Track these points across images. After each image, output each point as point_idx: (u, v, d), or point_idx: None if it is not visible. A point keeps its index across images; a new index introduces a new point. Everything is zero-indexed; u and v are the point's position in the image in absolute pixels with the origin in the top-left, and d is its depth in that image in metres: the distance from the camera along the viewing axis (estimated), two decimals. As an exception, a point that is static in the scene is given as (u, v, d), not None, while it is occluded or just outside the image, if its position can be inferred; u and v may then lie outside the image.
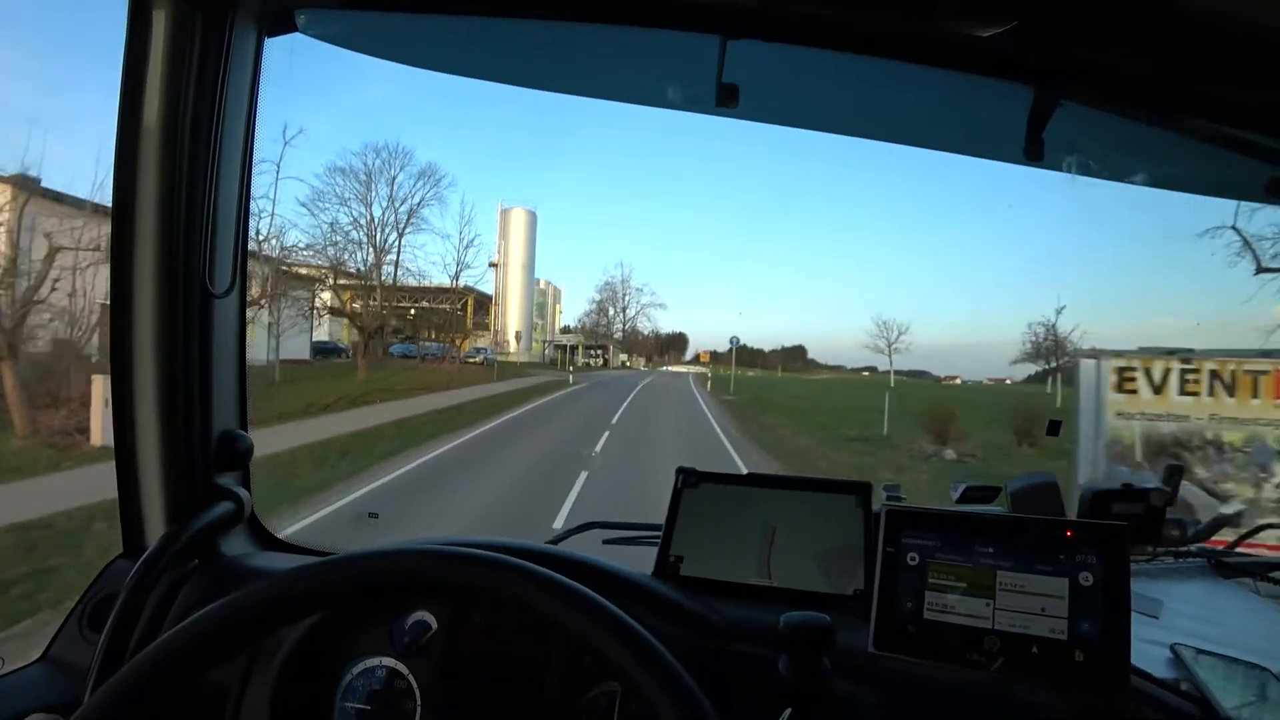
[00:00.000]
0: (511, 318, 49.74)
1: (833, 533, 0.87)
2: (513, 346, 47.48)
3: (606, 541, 1.05)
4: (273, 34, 0.89)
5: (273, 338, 17.14)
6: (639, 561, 0.89)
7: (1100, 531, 0.69)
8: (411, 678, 0.77)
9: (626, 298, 65.79)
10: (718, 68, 0.89)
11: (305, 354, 22.06)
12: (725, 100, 0.90)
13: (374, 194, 25.81)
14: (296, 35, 0.89)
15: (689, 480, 0.91)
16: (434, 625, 0.78)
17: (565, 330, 64.02)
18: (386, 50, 0.92)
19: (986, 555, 0.70)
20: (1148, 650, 0.84)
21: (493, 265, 50.77)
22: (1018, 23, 0.70)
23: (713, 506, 0.90)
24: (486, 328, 46.31)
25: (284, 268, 18.35)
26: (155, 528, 0.90)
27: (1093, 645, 0.66)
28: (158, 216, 0.84)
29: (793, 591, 0.84)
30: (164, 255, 0.85)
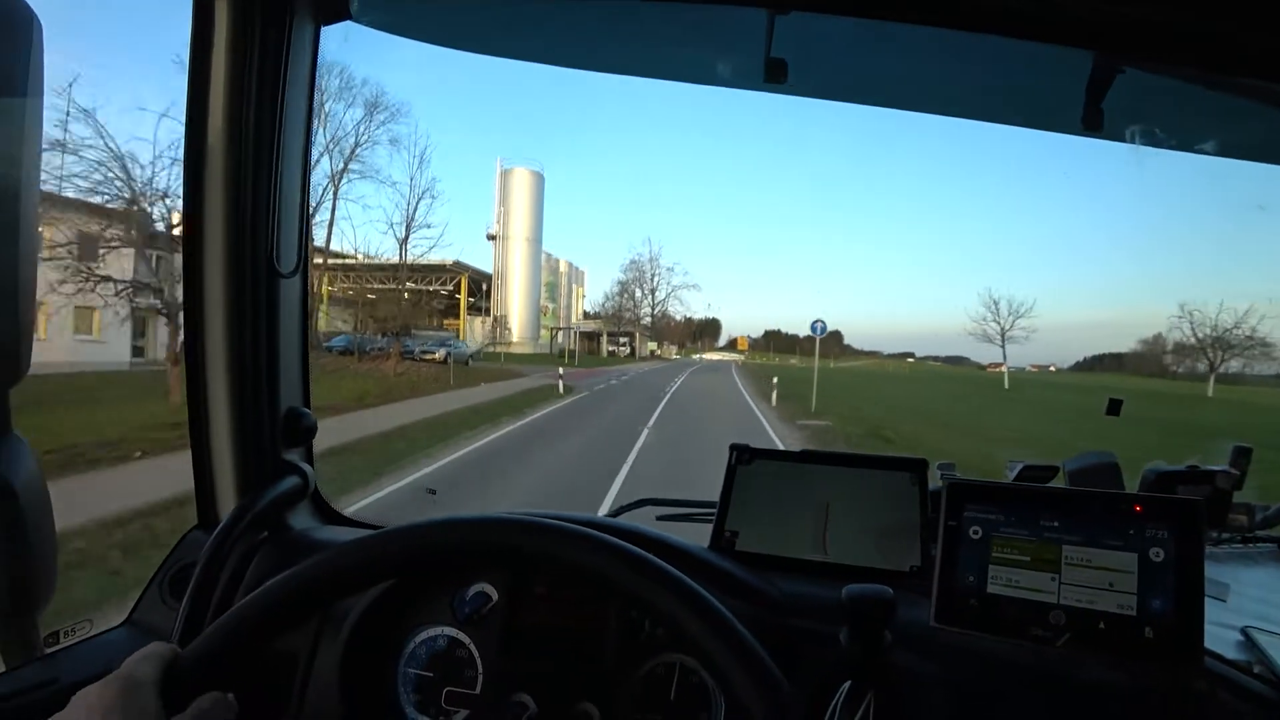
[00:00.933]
0: (514, 301, 42.54)
1: (888, 509, 0.87)
2: (515, 334, 40.87)
3: (661, 518, 1.06)
4: (328, 22, 0.91)
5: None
6: (692, 539, 0.89)
7: (1173, 506, 0.67)
8: (473, 647, 0.79)
9: (656, 278, 60.75)
10: (766, 42, 0.88)
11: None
12: (774, 75, 0.89)
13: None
14: (349, 23, 0.91)
15: (742, 457, 0.91)
16: (494, 596, 0.80)
17: (588, 316, 58.62)
18: (437, 35, 0.94)
19: (1051, 529, 0.68)
20: (1217, 633, 0.82)
21: (490, 238, 43.38)
22: None
23: (766, 483, 0.90)
24: (486, 313, 40.14)
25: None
26: (227, 501, 0.94)
27: (1164, 622, 0.64)
28: (225, 200, 0.87)
29: (849, 567, 0.84)
30: (232, 238, 0.88)
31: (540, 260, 46.53)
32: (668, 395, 18.82)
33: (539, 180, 45.34)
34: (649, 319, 61.46)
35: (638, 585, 0.53)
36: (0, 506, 0.76)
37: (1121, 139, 1.13)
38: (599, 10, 0.89)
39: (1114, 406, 1.22)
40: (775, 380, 18.74)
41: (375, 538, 0.57)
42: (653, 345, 61.51)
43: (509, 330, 40.86)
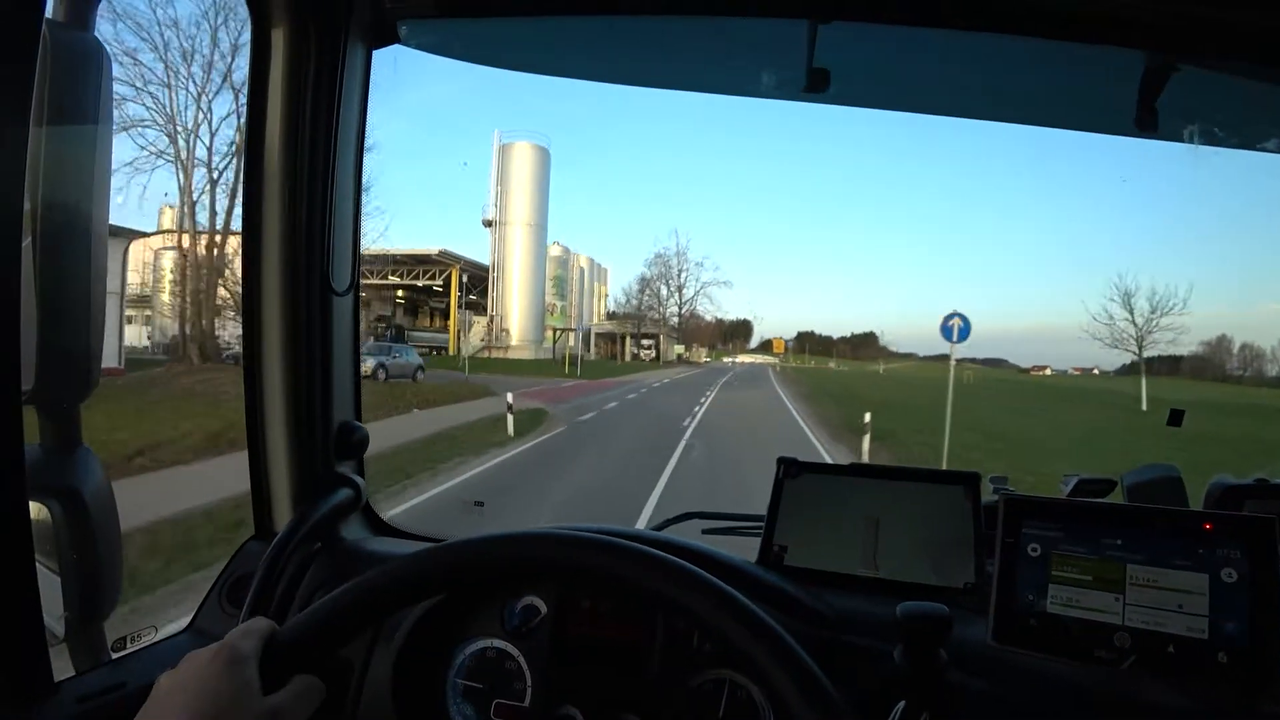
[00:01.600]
0: (514, 297, 35.96)
1: (940, 524, 0.85)
2: (514, 336, 35.29)
3: (706, 531, 1.06)
4: (379, 46, 0.94)
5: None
6: (738, 553, 0.89)
7: (1246, 525, 0.64)
8: (521, 659, 0.79)
9: (683, 274, 54.71)
10: (807, 52, 0.87)
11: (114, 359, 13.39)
12: (816, 85, 0.89)
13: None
14: (398, 46, 0.94)
15: (790, 470, 0.90)
16: (543, 609, 0.81)
17: (611, 316, 54.12)
18: (483, 56, 0.96)
19: (1114, 547, 0.66)
20: None
21: (487, 224, 36.37)
22: None
23: (815, 497, 0.89)
24: (482, 310, 35.44)
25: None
26: (282, 512, 0.97)
27: (1239, 646, 0.61)
28: (282, 221, 0.90)
29: (900, 583, 0.82)
30: (289, 257, 0.91)
31: (545, 249, 39.51)
32: (689, 430, 12.11)
33: (543, 156, 37.62)
34: (676, 319, 55.63)
35: (692, 602, 0.53)
36: (71, 516, 0.79)
37: (1178, 139, 1.09)
38: (640, 26, 0.90)
39: (1175, 418, 1.17)
40: (866, 418, 10.87)
41: (454, 546, 0.58)
42: (679, 349, 55.30)
43: (507, 332, 35.17)
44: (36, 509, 0.72)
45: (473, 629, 0.81)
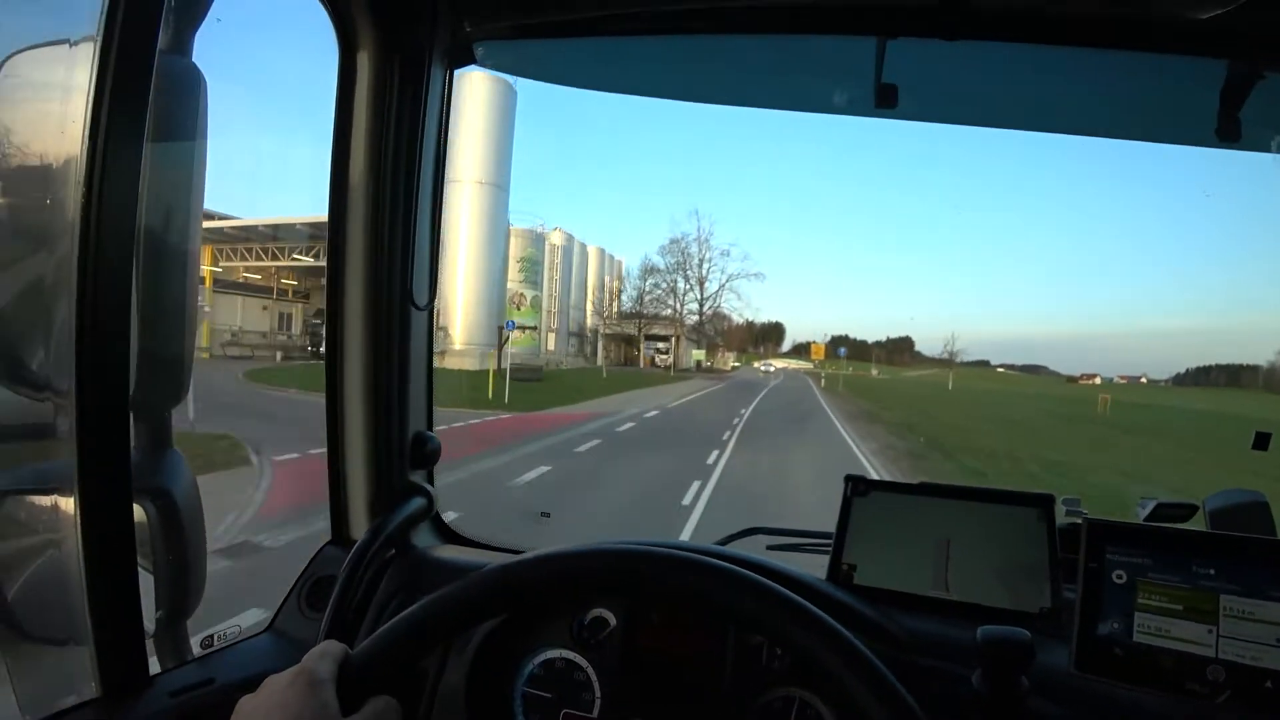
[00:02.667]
0: (457, 283, 25.33)
1: (1014, 546, 0.83)
2: (457, 339, 24.80)
3: (771, 547, 1.05)
4: (458, 66, 0.98)
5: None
6: (804, 569, 0.88)
7: None
8: (590, 670, 0.80)
9: (706, 265, 44.48)
10: (876, 69, 0.87)
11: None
12: (885, 101, 0.88)
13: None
14: (474, 67, 0.97)
15: (858, 488, 0.90)
16: (612, 621, 0.81)
17: (628, 315, 45.23)
18: (555, 75, 0.99)
19: (1207, 577, 0.64)
20: None
21: None
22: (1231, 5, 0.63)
23: (884, 515, 0.88)
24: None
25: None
26: (359, 518, 1.00)
27: None
28: (366, 237, 0.94)
29: (974, 606, 0.80)
30: (371, 271, 0.95)
31: (506, 219, 28.40)
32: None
33: (505, 95, 26.20)
34: (695, 316, 45.54)
35: (777, 622, 0.53)
36: (164, 516, 0.83)
37: (1265, 149, 1.05)
38: (711, 45, 0.91)
39: (1261, 441, 1.12)
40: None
41: (528, 562, 0.59)
42: (699, 354, 45.69)
43: (444, 330, 23.73)
44: (135, 510, 0.76)
45: (542, 639, 0.82)
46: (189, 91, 0.82)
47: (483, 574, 0.58)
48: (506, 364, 19.58)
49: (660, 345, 43.57)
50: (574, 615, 0.82)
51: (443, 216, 0.98)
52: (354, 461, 0.99)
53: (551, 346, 33.62)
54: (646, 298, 45.24)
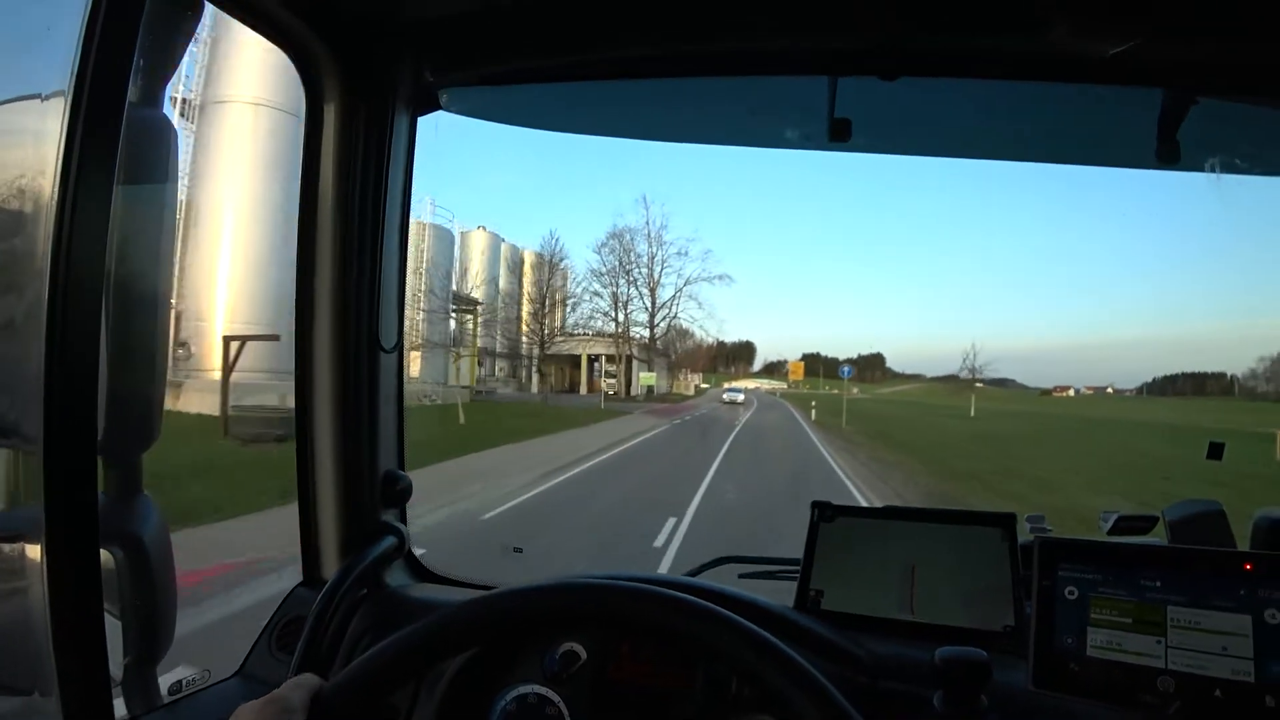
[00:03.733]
0: (218, 260, 15.93)
1: (977, 566, 0.84)
2: (207, 357, 14.31)
3: (743, 575, 1.06)
4: (423, 112, 1.01)
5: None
6: (775, 597, 0.89)
7: None
8: (562, 705, 0.80)
9: (659, 266, 34.67)
10: (829, 105, 0.91)
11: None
12: (838, 135, 0.92)
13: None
14: (440, 113, 1.00)
15: (825, 514, 0.91)
16: (583, 655, 0.82)
17: (568, 334, 34.37)
18: (521, 118, 1.02)
19: (1154, 589, 0.66)
20: None
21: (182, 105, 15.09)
22: (1140, 39, 0.68)
23: (850, 540, 0.90)
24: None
25: None
26: (330, 559, 1.01)
27: None
28: (333, 281, 0.96)
29: (939, 627, 0.82)
30: (339, 315, 0.96)
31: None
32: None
33: None
34: (645, 330, 35.17)
35: (736, 651, 0.54)
36: (133, 562, 0.83)
37: (1200, 169, 1.10)
38: (668, 87, 0.94)
39: (1215, 450, 1.15)
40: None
41: (492, 599, 0.60)
42: (648, 378, 34.63)
43: (185, 347, 15.06)
44: (102, 556, 0.76)
45: (514, 675, 0.83)
46: (160, 141, 0.84)
47: (454, 609, 0.59)
48: (241, 401, 11.50)
49: (610, 368, 34.17)
50: (545, 650, 0.82)
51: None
52: (325, 502, 0.99)
53: (415, 371, 22.89)
54: (580, 308, 34.43)
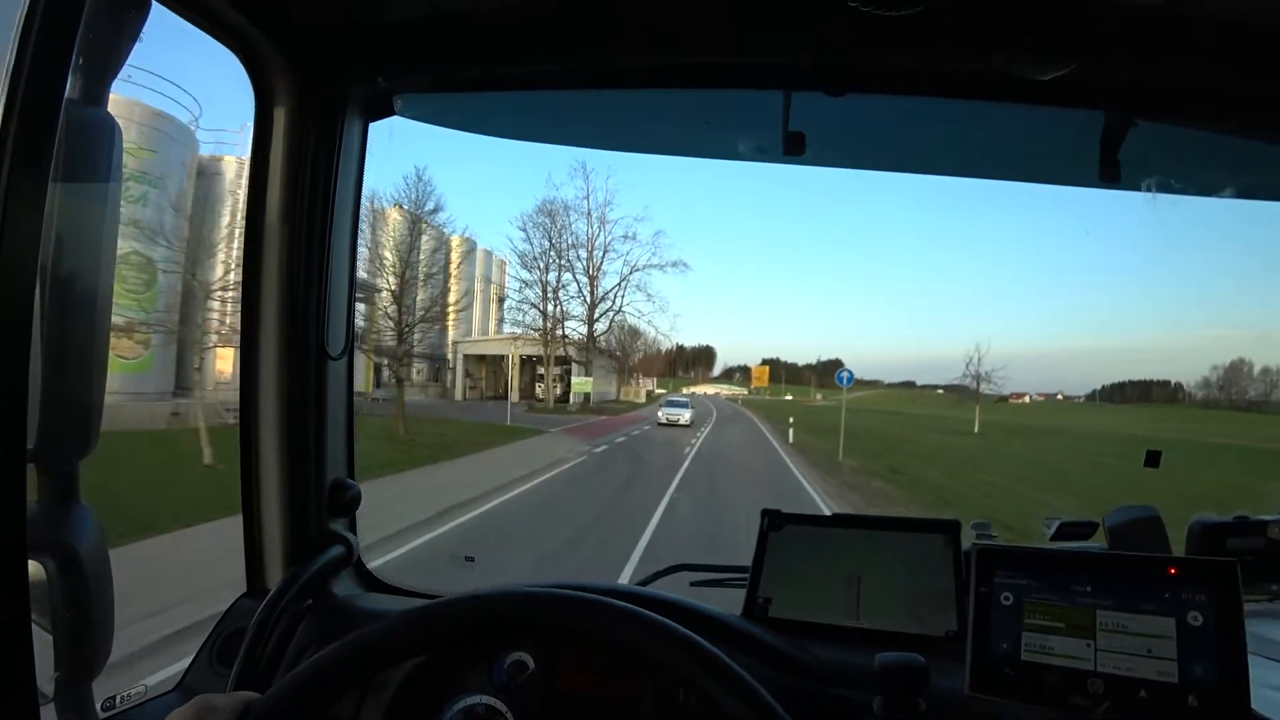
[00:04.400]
0: None
1: (922, 572, 0.86)
2: None
3: (695, 584, 1.07)
4: (375, 118, 1.00)
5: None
6: (726, 603, 0.90)
7: (1208, 568, 0.66)
8: (510, 715, 0.80)
9: (602, 249, 28.84)
10: (783, 119, 0.93)
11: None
12: (792, 149, 0.94)
13: None
14: (394, 118, 0.99)
15: (774, 522, 0.92)
16: (531, 664, 0.81)
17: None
18: (476, 125, 1.02)
19: (1084, 594, 0.68)
20: (1272, 696, 0.79)
21: None
22: (1075, 64, 0.70)
23: (799, 548, 0.91)
24: None
25: None
26: (275, 569, 0.98)
27: (1208, 689, 0.63)
28: (280, 288, 0.94)
29: (884, 633, 0.84)
30: (286, 323, 0.95)
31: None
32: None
33: None
34: (584, 327, 28.91)
35: (670, 657, 0.55)
36: (67, 574, 0.80)
37: (1138, 189, 1.15)
38: (624, 98, 0.95)
39: (1153, 459, 1.20)
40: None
41: (440, 605, 0.60)
42: (582, 383, 28.49)
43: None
44: (33, 567, 0.74)
45: (461, 685, 0.82)
46: (101, 139, 0.82)
47: (392, 620, 0.59)
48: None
49: (544, 371, 28.24)
50: (492, 660, 0.82)
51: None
52: (269, 511, 0.97)
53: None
54: (508, 300, 27.75)
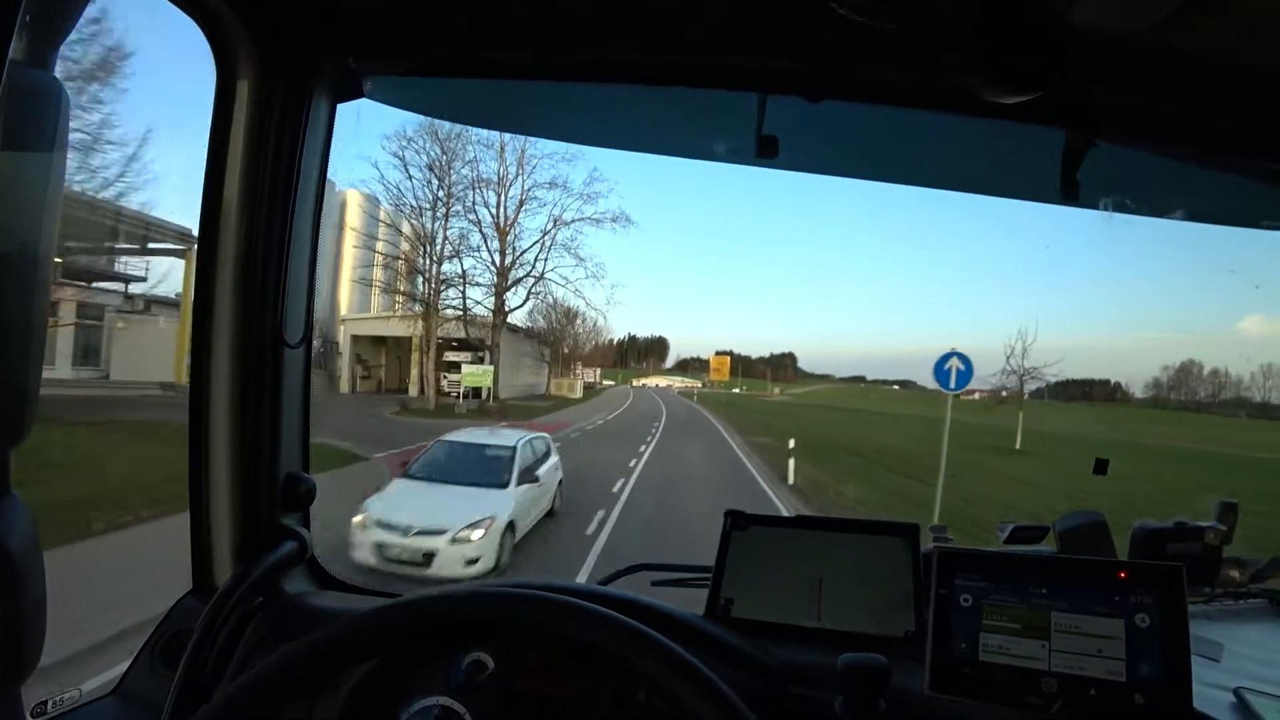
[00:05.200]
0: None
1: (882, 574, 0.88)
2: None
3: (656, 583, 1.06)
4: (344, 100, 0.96)
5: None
6: (688, 604, 0.90)
7: (1155, 572, 0.69)
8: (468, 716, 0.78)
9: (519, 191, 20.23)
10: (757, 122, 0.93)
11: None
12: (765, 151, 0.94)
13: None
14: (363, 100, 0.96)
15: (738, 523, 0.93)
16: (490, 665, 0.80)
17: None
18: (446, 112, 0.99)
19: (1040, 596, 0.70)
20: (1210, 694, 0.82)
21: None
22: (1043, 90, 0.72)
23: (762, 549, 0.91)
24: None
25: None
26: (224, 566, 0.94)
27: (1153, 687, 0.65)
28: (236, 272, 0.90)
29: (844, 633, 0.85)
30: (242, 310, 0.91)
31: None
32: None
33: None
34: (485, 299, 20.77)
35: (632, 655, 0.54)
36: None
37: (1095, 207, 1.19)
38: (600, 92, 0.94)
39: (1101, 466, 1.25)
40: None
41: (388, 608, 0.58)
42: (476, 375, 20.18)
43: None
44: None
45: (417, 687, 0.80)
46: (47, 105, 0.77)
47: (347, 620, 0.57)
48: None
49: (456, 358, 20.79)
50: (450, 660, 0.80)
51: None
52: (219, 505, 0.93)
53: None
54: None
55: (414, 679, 0.80)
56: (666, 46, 0.86)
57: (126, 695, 0.87)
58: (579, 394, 30.40)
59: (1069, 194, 1.08)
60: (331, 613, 0.93)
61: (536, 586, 0.66)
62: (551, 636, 0.59)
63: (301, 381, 1.00)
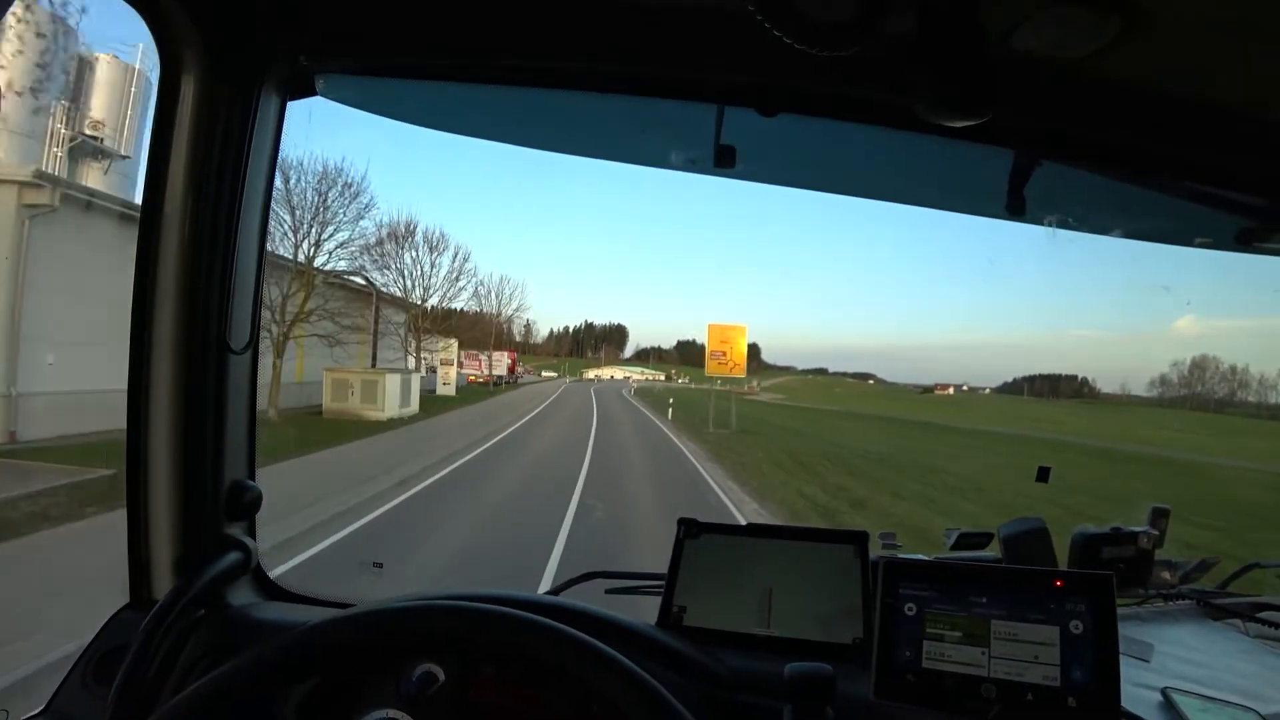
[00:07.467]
0: None
1: (832, 582, 0.89)
2: None
3: (609, 591, 1.06)
4: (295, 97, 0.93)
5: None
6: (641, 612, 0.90)
7: (1088, 580, 0.72)
8: None
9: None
10: (715, 132, 0.94)
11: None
12: (723, 161, 0.95)
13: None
14: (315, 99, 0.93)
15: (690, 531, 0.93)
16: (441, 676, 0.78)
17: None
18: (401, 113, 0.97)
19: (980, 605, 0.72)
20: (1140, 694, 0.86)
21: None
22: (992, 114, 0.75)
23: (714, 557, 0.92)
24: None
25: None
26: (163, 578, 0.90)
27: (1085, 692, 0.68)
28: (179, 276, 0.87)
29: (794, 641, 0.86)
30: (184, 314, 0.87)
31: None
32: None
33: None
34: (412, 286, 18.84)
35: (579, 668, 0.54)
36: None
37: (1040, 224, 1.23)
38: (558, 98, 0.94)
39: (1043, 474, 1.30)
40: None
41: (332, 623, 0.57)
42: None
43: None
44: None
45: (367, 699, 0.78)
46: None
47: (280, 642, 0.55)
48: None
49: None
50: (399, 672, 0.78)
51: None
52: (159, 514, 0.89)
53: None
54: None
55: (362, 691, 0.78)
56: (625, 55, 0.86)
57: (57, 715, 0.83)
58: (449, 392, 19.13)
59: (1016, 211, 1.12)
60: (278, 625, 0.90)
61: (487, 598, 0.65)
62: (497, 650, 0.58)
63: (248, 388, 0.96)
